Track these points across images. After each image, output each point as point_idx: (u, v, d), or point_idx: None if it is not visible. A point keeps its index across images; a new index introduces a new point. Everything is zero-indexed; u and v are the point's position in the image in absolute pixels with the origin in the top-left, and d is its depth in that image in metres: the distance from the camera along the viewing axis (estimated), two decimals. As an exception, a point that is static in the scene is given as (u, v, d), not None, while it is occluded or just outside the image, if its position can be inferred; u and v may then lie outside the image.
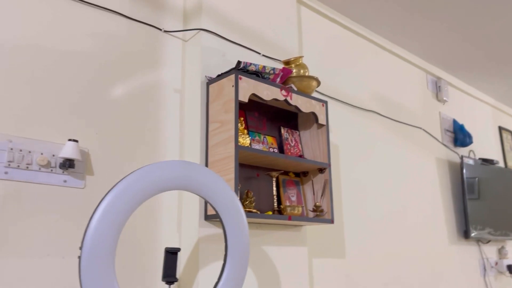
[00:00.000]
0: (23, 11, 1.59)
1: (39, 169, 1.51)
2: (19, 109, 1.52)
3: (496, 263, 3.66)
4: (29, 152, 1.50)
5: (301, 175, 2.14)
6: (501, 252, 3.74)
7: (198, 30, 1.96)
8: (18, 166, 1.47)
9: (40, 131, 1.55)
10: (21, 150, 1.48)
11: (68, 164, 1.54)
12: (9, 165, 1.45)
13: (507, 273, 3.71)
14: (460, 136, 3.56)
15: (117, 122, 1.75)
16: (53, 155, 1.55)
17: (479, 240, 3.55)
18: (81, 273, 1.12)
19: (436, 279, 2.99)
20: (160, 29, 1.96)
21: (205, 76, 1.91)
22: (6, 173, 1.44)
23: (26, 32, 1.58)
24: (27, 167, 1.49)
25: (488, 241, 3.63)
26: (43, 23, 1.63)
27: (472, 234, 3.30)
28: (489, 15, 2.83)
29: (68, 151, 1.52)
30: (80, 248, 1.13)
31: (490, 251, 3.68)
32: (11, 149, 1.46)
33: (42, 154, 1.52)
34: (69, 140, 1.54)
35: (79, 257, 1.13)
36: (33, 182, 1.49)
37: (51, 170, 1.53)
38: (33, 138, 1.52)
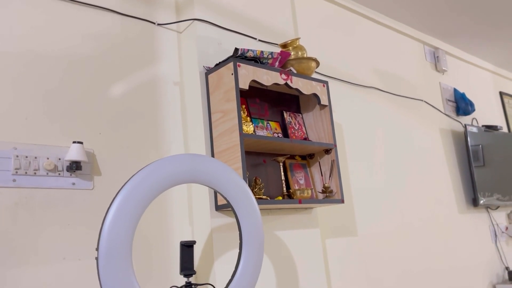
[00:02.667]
0: (18, 19, 1.57)
1: (47, 174, 1.51)
2: (21, 116, 1.51)
3: (507, 228, 3.68)
4: (35, 157, 1.49)
5: (308, 158, 2.14)
6: (510, 217, 3.76)
7: (192, 21, 1.94)
8: (26, 172, 1.46)
9: (44, 135, 1.54)
10: (26, 157, 1.48)
11: (75, 167, 1.53)
12: (16, 172, 1.45)
13: (518, 237, 3.73)
14: (462, 105, 3.54)
15: (119, 120, 1.74)
16: (59, 159, 1.54)
17: (488, 207, 3.56)
18: (100, 274, 1.12)
19: (449, 249, 3.00)
20: (154, 23, 1.94)
21: (203, 66, 1.89)
22: (14, 180, 1.44)
23: (22, 38, 1.57)
24: (35, 173, 1.48)
25: (497, 207, 3.64)
26: (39, 28, 1.61)
27: (481, 202, 3.30)
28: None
29: (74, 153, 1.52)
30: (97, 249, 1.13)
31: (500, 216, 3.69)
32: (17, 156, 1.46)
33: (48, 158, 1.52)
34: (74, 142, 1.53)
35: (97, 258, 1.13)
36: (42, 188, 1.49)
37: (59, 174, 1.53)
38: (37, 143, 1.52)
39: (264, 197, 1.81)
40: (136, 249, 1.67)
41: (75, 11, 1.72)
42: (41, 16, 1.63)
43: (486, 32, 3.53)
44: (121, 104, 1.76)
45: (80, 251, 1.53)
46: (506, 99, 4.33)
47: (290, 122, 2.08)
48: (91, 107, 1.68)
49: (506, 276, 3.45)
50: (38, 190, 1.48)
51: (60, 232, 1.50)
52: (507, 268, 3.46)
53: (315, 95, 2.02)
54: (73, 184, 1.56)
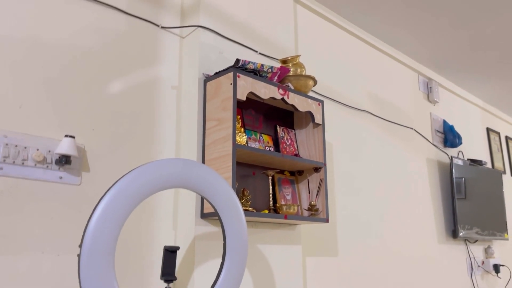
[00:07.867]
0: (19, 7, 1.56)
1: (35, 165, 1.49)
2: (14, 104, 1.49)
3: (483, 262, 3.72)
4: (25, 147, 1.47)
5: (296, 174, 2.15)
6: (487, 251, 3.80)
7: (195, 27, 1.95)
8: (14, 162, 1.44)
9: (36, 126, 1.52)
10: (16, 146, 1.46)
11: (64, 160, 1.51)
12: (4, 160, 1.43)
13: (493, 272, 3.77)
14: (450, 137, 3.60)
15: (113, 118, 1.73)
16: (49, 151, 1.53)
17: (466, 240, 3.60)
18: (81, 272, 1.11)
19: (425, 278, 3.02)
20: (158, 25, 1.94)
21: (203, 73, 1.90)
22: (1, 168, 1.42)
23: (22, 27, 1.56)
24: (23, 163, 1.46)
25: (475, 241, 3.68)
26: (40, 18, 1.60)
27: (460, 234, 3.34)
28: (480, 18, 2.86)
29: (65, 147, 1.50)
30: (80, 246, 1.12)
31: (477, 250, 3.74)
32: (6, 144, 1.44)
33: (38, 150, 1.50)
34: (66, 136, 1.51)
35: (79, 255, 1.11)
36: (29, 178, 1.47)
37: (47, 166, 1.51)
38: (29, 133, 1.50)
39: (250, 209, 1.81)
40: (117, 249, 1.64)
41: (80, 6, 1.72)
42: (43, 8, 1.62)
43: (479, 68, 3.62)
44: (117, 102, 1.75)
45: (60, 246, 1.51)
46: (492, 135, 4.42)
47: (283, 137, 2.09)
48: (87, 102, 1.67)
49: (479, 310, 3.48)
50: (25, 181, 1.46)
51: (42, 225, 1.48)
52: (480, 302, 3.50)
53: (309, 113, 2.04)
54: (61, 178, 1.54)
